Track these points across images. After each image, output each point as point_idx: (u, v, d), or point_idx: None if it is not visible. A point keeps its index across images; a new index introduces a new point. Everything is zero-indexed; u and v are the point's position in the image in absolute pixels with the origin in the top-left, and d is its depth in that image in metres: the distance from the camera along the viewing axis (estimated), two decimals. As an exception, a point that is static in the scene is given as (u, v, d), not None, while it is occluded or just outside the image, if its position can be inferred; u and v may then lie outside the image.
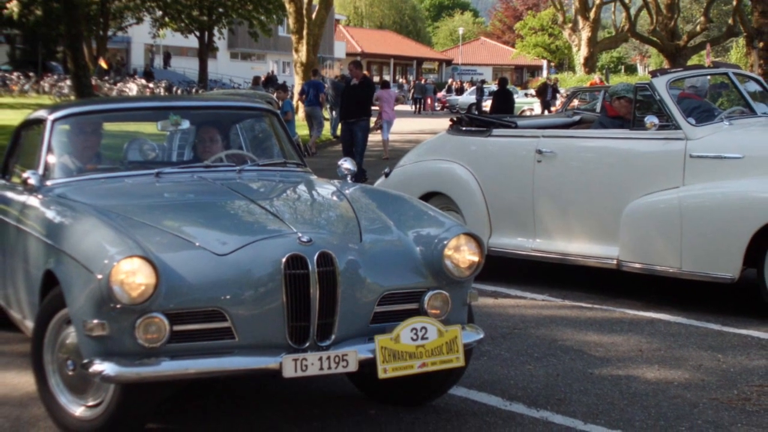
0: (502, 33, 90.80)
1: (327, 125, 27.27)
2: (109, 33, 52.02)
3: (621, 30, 46.43)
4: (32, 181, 5.47)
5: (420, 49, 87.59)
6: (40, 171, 5.61)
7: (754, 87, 8.59)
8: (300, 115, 26.28)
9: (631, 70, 70.94)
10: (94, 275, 4.22)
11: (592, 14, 44.50)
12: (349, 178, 5.99)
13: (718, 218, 7.16)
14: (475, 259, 4.79)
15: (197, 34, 53.52)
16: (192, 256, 4.43)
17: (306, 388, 5.39)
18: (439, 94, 58.16)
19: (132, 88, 41.81)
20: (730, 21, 39.00)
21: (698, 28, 40.94)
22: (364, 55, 73.98)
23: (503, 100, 24.53)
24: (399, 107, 33.76)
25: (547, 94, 36.20)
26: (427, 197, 8.72)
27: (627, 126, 8.00)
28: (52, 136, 5.82)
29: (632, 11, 44.56)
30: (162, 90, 42.52)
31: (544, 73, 61.65)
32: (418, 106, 51.02)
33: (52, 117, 5.95)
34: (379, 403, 5.21)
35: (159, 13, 51.78)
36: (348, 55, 73.01)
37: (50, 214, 5.11)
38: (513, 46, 78.27)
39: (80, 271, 4.36)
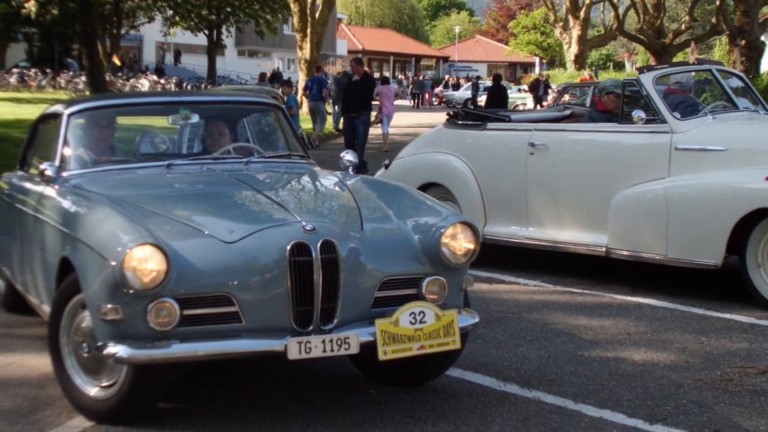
0: (497, 31, 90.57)
1: (330, 119, 27.23)
2: (122, 31, 51.86)
3: (610, 28, 46.30)
4: (49, 172, 5.46)
5: (418, 47, 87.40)
6: (57, 163, 5.60)
7: (736, 83, 8.55)
8: (304, 110, 26.23)
9: (620, 66, 70.87)
10: (108, 262, 4.21)
11: (582, 13, 44.40)
12: (350, 170, 5.97)
13: (702, 208, 7.15)
14: (471, 246, 4.78)
15: (206, 32, 53.48)
16: (201, 244, 4.42)
17: (309, 370, 5.39)
18: (437, 90, 58.05)
19: (144, 83, 41.71)
20: (713, 20, 38.88)
21: (683, 26, 40.78)
22: (365, 52, 73.85)
23: (497, 96, 24.52)
24: (398, 102, 33.71)
25: (539, 89, 36.13)
26: (425, 188, 8.71)
27: (615, 120, 7.98)
28: (68, 130, 5.81)
29: (620, 10, 44.43)
30: (172, 86, 42.43)
31: (536, 69, 61.43)
32: (416, 101, 50.94)
33: (68, 111, 5.93)
34: (379, 383, 5.21)
35: (170, 12, 51.65)
36: (350, 52, 72.83)
37: (66, 203, 5.10)
38: (507, 44, 78.08)
39: (95, 258, 4.35)
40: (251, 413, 4.78)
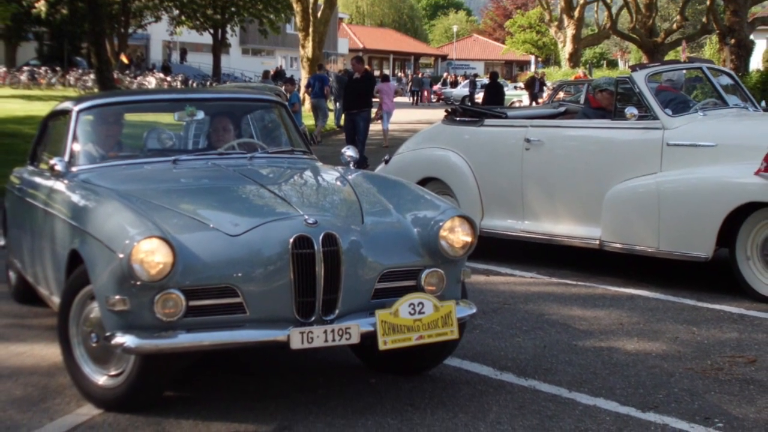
0: (494, 30, 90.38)
1: (331, 116, 27.19)
2: (130, 30, 51.69)
3: (603, 27, 46.18)
4: (59, 167, 5.45)
5: (417, 46, 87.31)
6: (66, 158, 5.59)
7: (726, 81, 8.52)
8: (306, 107, 26.18)
9: (613, 64, 70.75)
10: (116, 254, 4.20)
11: (576, 13, 44.22)
12: (351, 165, 5.96)
13: (693, 202, 7.13)
14: (468, 239, 4.77)
15: (211, 31, 53.28)
16: (206, 237, 4.41)
17: (311, 359, 5.39)
18: (435, 87, 57.93)
19: (151, 81, 41.66)
20: (704, 19, 38.70)
21: (675, 25, 40.53)
22: (366, 50, 73.79)
23: (494, 93, 24.49)
24: (398, 99, 33.67)
25: (534, 87, 36.04)
26: (424, 182, 8.68)
27: (609, 116, 7.96)
28: (77, 126, 5.80)
29: (614, 10, 44.32)
30: (179, 83, 42.37)
31: (532, 67, 61.35)
32: (415, 98, 50.87)
33: (77, 108, 5.92)
34: (379, 372, 5.20)
35: (176, 12, 51.49)
36: (351, 50, 72.75)
37: (75, 198, 5.09)
38: (503, 42, 77.89)
39: (103, 250, 4.35)
40: (255, 402, 4.78)
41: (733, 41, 29.36)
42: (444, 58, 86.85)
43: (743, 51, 29.55)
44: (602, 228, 7.67)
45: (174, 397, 4.84)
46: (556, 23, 46.48)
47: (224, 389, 5.00)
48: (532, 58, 65.51)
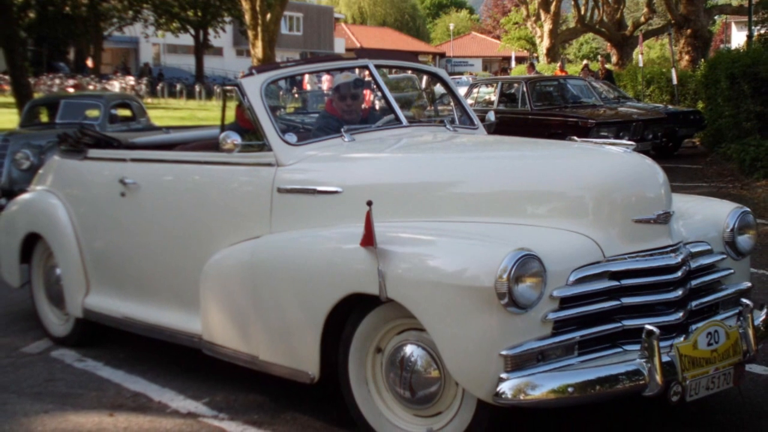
0: (493, 28, 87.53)
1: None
2: (112, 33, 49.29)
3: (578, 22, 43.16)
4: None
5: (415, 44, 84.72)
6: None
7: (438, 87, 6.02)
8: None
9: (606, 58, 67.64)
10: None
11: (552, 7, 41.30)
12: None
13: (287, 285, 4.54)
14: None
15: (192, 32, 50.87)
16: None
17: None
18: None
19: (114, 85, 39.24)
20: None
21: (642, 17, 37.47)
22: (363, 49, 71.16)
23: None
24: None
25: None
26: (32, 241, 6.60)
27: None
28: None
29: (585, 2, 41.29)
30: (143, 86, 40.02)
31: (512, 64, 58.27)
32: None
33: None
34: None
35: (146, 12, 49.08)
36: (347, 50, 70.20)
37: None
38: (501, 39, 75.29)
39: None
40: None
41: (688, 31, 26.71)
42: (442, 55, 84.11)
43: (700, 42, 27.19)
44: (201, 319, 5.09)
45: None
46: (533, 18, 43.65)
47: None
48: (513, 54, 62.75)
